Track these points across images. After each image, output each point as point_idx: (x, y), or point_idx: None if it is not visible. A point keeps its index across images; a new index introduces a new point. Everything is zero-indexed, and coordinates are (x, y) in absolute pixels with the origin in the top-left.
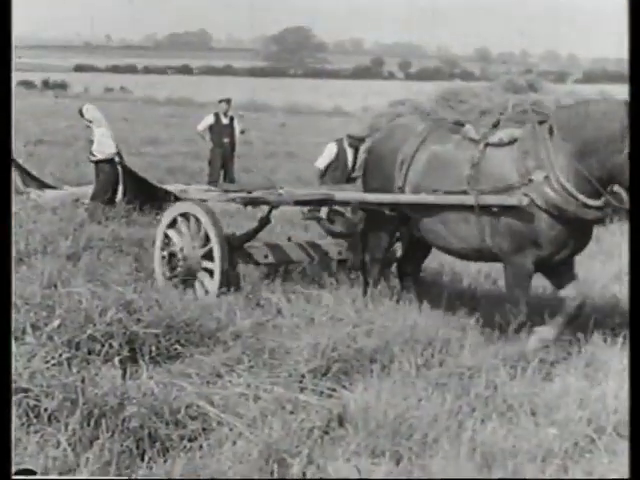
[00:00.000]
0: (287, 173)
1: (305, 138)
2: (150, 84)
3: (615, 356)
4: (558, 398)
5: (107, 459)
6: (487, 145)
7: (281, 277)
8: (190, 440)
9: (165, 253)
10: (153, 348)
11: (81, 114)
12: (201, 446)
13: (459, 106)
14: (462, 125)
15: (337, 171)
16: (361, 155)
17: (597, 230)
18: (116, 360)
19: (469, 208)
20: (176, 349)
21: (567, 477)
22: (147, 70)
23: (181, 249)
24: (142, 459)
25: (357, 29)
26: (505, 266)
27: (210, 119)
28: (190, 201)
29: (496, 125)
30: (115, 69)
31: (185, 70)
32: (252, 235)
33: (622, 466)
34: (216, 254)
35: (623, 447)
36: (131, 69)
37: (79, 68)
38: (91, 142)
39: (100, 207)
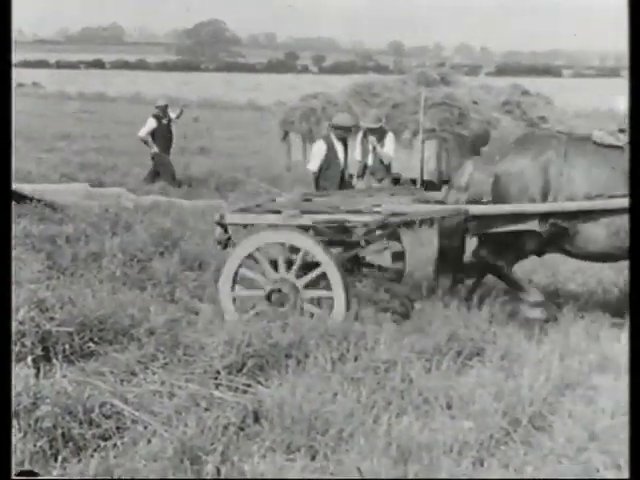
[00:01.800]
0: (200, 168)
1: (218, 132)
2: (62, 79)
3: (531, 348)
4: (473, 391)
5: (20, 459)
6: None
7: (195, 272)
8: (104, 439)
9: (264, 286)
10: (67, 346)
11: None
12: (115, 445)
13: (372, 99)
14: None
15: (330, 170)
16: (484, 179)
17: None
18: (29, 359)
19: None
20: (90, 347)
21: (483, 469)
22: (59, 65)
23: (291, 285)
24: (55, 459)
25: (270, 22)
26: None
27: (152, 123)
28: (285, 229)
29: (623, 130)
30: (26, 64)
31: (97, 64)
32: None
33: (537, 458)
34: (339, 296)
35: (539, 439)
36: (43, 64)
37: None
38: None
39: None
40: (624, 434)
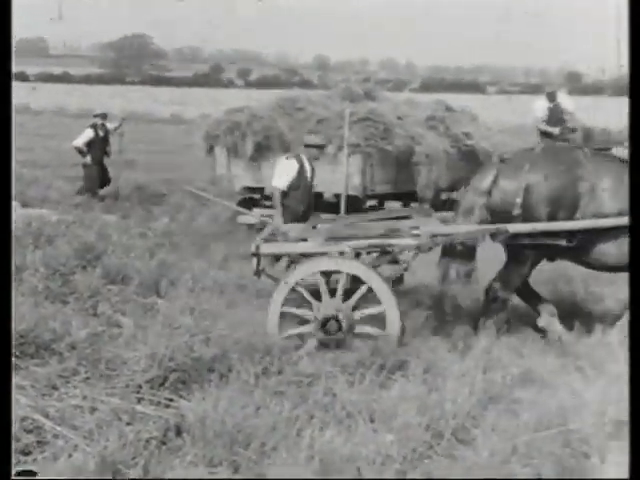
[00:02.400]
0: (125, 182)
1: (143, 146)
2: None
3: (454, 361)
4: (396, 404)
5: None
6: None
7: (118, 286)
8: (25, 454)
9: (313, 315)
10: None
11: None
12: (36, 459)
13: (297, 114)
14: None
15: (299, 190)
16: (513, 188)
17: None
18: None
19: None
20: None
21: None
22: None
23: (344, 315)
24: None
25: (196, 36)
26: None
27: (90, 133)
28: (342, 257)
29: None
30: None
31: (21, 77)
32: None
33: (460, 469)
34: (393, 322)
35: (462, 452)
36: None
37: None
38: None
39: None
40: (547, 447)
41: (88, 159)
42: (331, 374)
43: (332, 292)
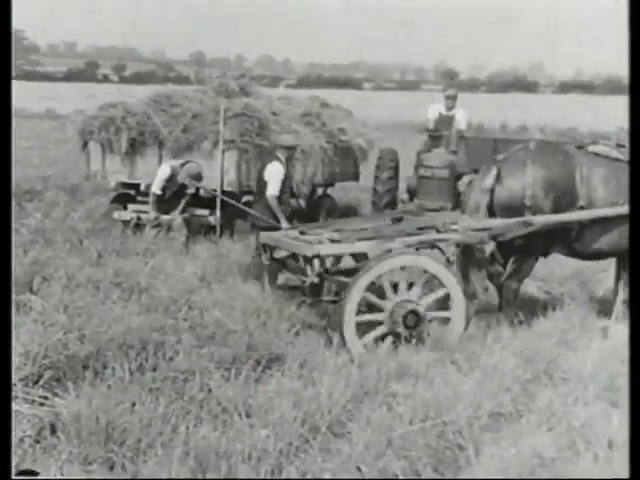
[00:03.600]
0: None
1: (17, 142)
2: None
3: (330, 356)
4: (272, 399)
5: None
6: None
7: None
8: None
9: (400, 312)
10: None
11: None
12: None
13: (171, 109)
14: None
15: (286, 194)
16: (521, 190)
17: None
18: None
19: None
20: None
21: (282, 477)
22: None
23: (417, 305)
24: None
25: (71, 31)
26: None
27: None
28: (414, 253)
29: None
30: None
31: None
32: None
33: (335, 464)
34: (459, 302)
35: (337, 446)
36: None
37: None
38: None
39: None
40: (422, 440)
41: None
42: (206, 370)
43: None
